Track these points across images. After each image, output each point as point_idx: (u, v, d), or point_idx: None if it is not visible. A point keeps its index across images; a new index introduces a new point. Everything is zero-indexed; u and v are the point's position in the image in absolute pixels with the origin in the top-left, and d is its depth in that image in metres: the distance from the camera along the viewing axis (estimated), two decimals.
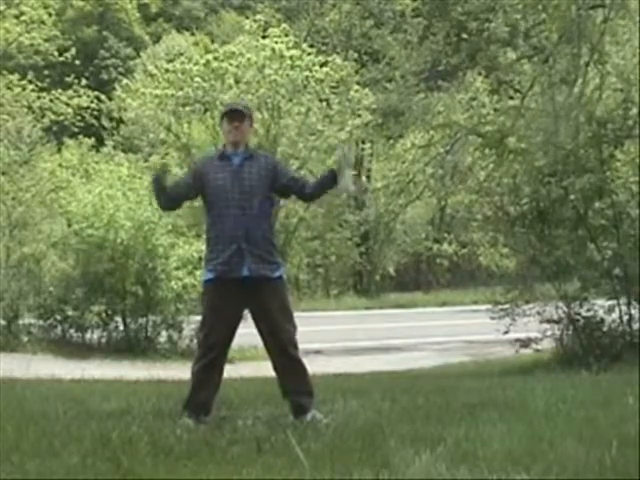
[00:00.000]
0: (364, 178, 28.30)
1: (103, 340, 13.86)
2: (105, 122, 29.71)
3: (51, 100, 18.46)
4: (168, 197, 5.06)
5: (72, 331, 13.86)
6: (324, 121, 22.44)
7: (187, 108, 21.32)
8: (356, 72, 21.44)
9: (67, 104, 18.70)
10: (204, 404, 4.80)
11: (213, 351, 4.79)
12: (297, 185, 4.97)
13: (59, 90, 18.98)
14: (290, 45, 20.99)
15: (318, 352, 13.14)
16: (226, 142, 5.02)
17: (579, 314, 9.90)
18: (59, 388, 7.14)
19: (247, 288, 4.75)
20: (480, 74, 17.08)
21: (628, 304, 9.73)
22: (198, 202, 5.25)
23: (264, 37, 21.43)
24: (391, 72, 15.48)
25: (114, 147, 28.42)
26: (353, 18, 19.48)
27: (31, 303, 13.91)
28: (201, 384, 4.79)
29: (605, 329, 9.81)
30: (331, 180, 4.88)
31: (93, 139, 29.25)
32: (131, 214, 13.91)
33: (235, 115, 4.96)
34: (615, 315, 9.78)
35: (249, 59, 20.84)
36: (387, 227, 28.11)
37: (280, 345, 4.82)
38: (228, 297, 4.76)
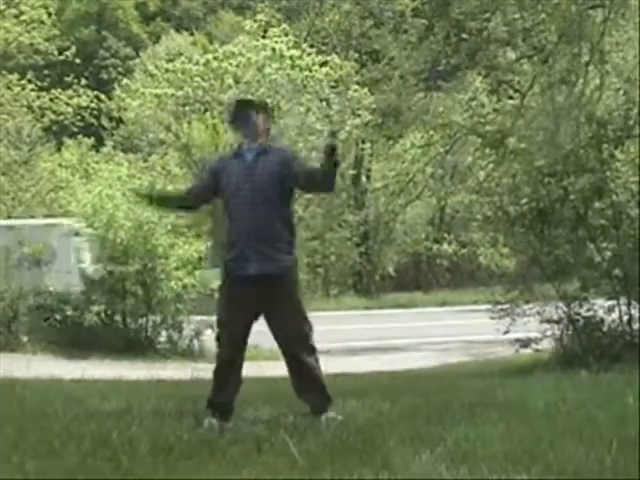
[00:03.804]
0: (364, 178, 28.33)
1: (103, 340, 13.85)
2: (105, 122, 29.68)
3: (51, 99, 18.46)
4: (190, 194, 5.10)
5: (72, 331, 13.85)
6: (324, 121, 22.44)
7: (187, 108, 21.33)
8: (356, 72, 21.45)
9: (67, 104, 18.70)
10: (225, 404, 4.77)
11: (229, 348, 4.77)
12: (307, 178, 4.81)
13: (59, 90, 18.97)
14: (290, 45, 20.99)
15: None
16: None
17: (579, 314, 9.89)
18: (59, 388, 7.13)
19: (256, 286, 4.71)
20: (480, 74, 17.09)
21: (628, 304, 9.72)
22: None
23: (264, 37, 21.45)
24: (391, 72, 15.48)
25: (114, 147, 28.40)
26: (353, 18, 19.49)
27: (31, 303, 13.90)
28: (220, 384, 4.79)
29: (605, 329, 9.79)
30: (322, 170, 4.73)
31: (93, 139, 29.25)
32: (130, 214, 13.91)
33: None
34: (615, 315, 9.77)
35: (249, 59, 20.85)
36: (387, 227, 28.11)
37: (288, 345, 4.78)
38: (240, 295, 4.73)
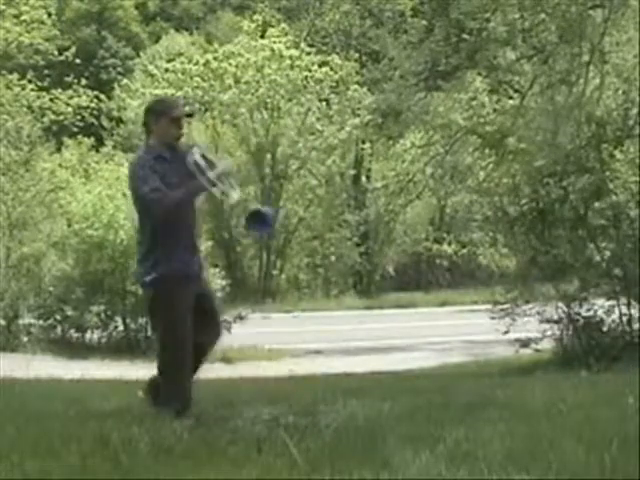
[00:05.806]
0: (364, 178, 28.34)
1: (103, 340, 13.85)
2: (105, 122, 29.69)
3: (51, 100, 18.44)
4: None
5: (72, 331, 13.85)
6: (323, 121, 22.47)
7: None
8: (356, 72, 21.48)
9: (67, 104, 18.68)
10: (190, 400, 4.83)
11: (185, 349, 4.79)
12: None
13: (59, 90, 18.95)
14: (289, 45, 21.03)
15: (318, 352, 13.13)
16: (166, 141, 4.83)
17: (579, 314, 9.89)
18: (59, 388, 7.14)
19: (196, 283, 4.75)
20: (480, 74, 17.09)
21: (628, 304, 9.73)
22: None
23: (262, 37, 21.48)
24: (391, 72, 15.48)
25: (114, 147, 28.38)
26: (353, 18, 19.50)
27: (31, 303, 13.90)
28: (185, 387, 4.83)
29: (605, 329, 9.80)
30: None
31: (93, 139, 29.23)
32: (131, 214, 13.91)
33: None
34: (615, 315, 9.78)
35: (248, 59, 20.87)
36: (387, 227, 28.11)
37: (209, 338, 4.85)
38: (188, 294, 4.73)
